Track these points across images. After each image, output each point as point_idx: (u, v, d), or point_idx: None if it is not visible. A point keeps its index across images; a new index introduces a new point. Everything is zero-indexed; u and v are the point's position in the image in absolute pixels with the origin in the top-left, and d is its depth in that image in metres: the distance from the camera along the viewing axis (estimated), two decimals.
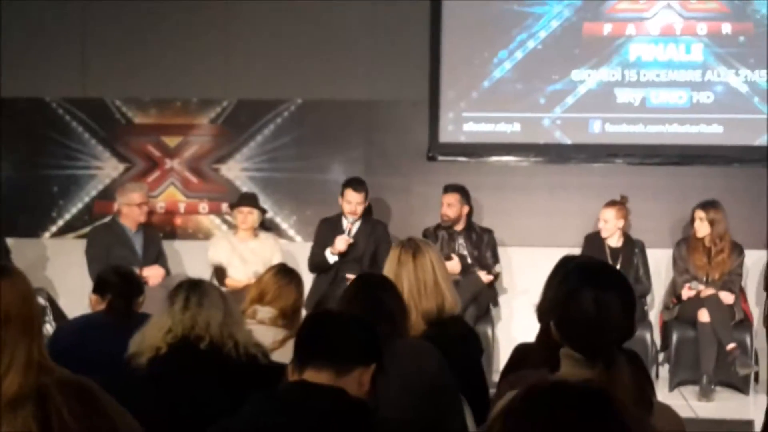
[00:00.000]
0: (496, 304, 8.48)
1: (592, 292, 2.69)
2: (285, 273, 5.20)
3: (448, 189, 8.35)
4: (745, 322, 7.99)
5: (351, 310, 3.67)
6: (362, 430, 2.47)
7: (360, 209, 8.28)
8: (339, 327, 2.77)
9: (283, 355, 4.23)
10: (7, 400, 2.07)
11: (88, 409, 2.01)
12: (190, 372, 4.08)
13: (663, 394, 7.53)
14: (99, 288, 5.21)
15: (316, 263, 8.32)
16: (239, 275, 8.16)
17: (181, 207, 9.09)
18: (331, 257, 8.22)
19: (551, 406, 1.83)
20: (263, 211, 8.50)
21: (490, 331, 8.10)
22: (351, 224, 8.28)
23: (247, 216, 8.31)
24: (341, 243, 8.17)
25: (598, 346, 2.66)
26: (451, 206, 8.31)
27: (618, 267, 8.09)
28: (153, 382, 4.09)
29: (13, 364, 3.09)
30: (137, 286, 5.27)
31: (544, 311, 3.72)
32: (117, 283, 5.14)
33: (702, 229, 8.06)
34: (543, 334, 3.67)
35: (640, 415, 2.51)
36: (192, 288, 4.26)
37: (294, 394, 2.52)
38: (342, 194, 8.30)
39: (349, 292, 3.98)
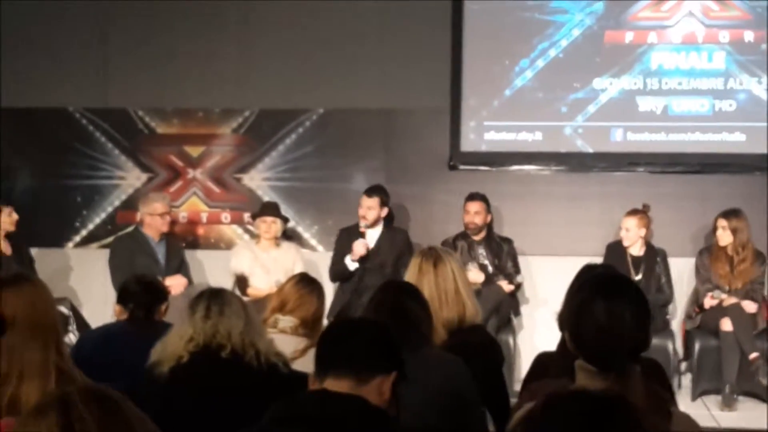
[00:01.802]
0: (517, 313, 8.47)
1: (604, 303, 2.69)
2: (306, 282, 5.21)
3: (475, 197, 8.36)
4: None
5: (378, 318, 3.68)
6: None
7: (371, 214, 8.28)
8: (359, 335, 2.76)
9: (304, 364, 4.24)
10: (31, 407, 2.09)
11: (110, 417, 2.03)
12: (211, 380, 4.10)
13: (685, 403, 7.51)
14: (121, 298, 5.26)
15: (336, 272, 8.35)
16: (261, 284, 8.18)
17: (204, 217, 9.13)
18: (351, 264, 8.24)
19: (570, 413, 1.85)
20: (286, 220, 8.53)
21: (511, 340, 8.10)
22: (364, 228, 8.29)
23: (271, 225, 8.33)
24: (360, 247, 8.19)
25: (610, 358, 2.66)
26: (479, 214, 8.32)
27: (640, 276, 8.10)
28: (175, 390, 4.11)
29: (26, 368, 3.12)
30: (159, 294, 5.29)
31: (564, 320, 3.73)
32: (137, 293, 5.18)
33: (724, 237, 8.03)
34: (564, 342, 3.68)
35: (657, 423, 2.51)
36: (213, 297, 4.28)
37: (313, 403, 2.52)
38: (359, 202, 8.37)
39: (376, 299, 3.98)
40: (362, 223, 8.28)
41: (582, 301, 2.74)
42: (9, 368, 3.12)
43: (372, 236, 8.36)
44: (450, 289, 4.38)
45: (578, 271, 4.21)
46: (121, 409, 2.06)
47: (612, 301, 2.69)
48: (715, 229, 8.11)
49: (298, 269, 7.62)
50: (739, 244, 8.01)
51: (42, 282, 3.35)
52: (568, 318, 2.83)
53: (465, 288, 4.44)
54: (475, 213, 8.33)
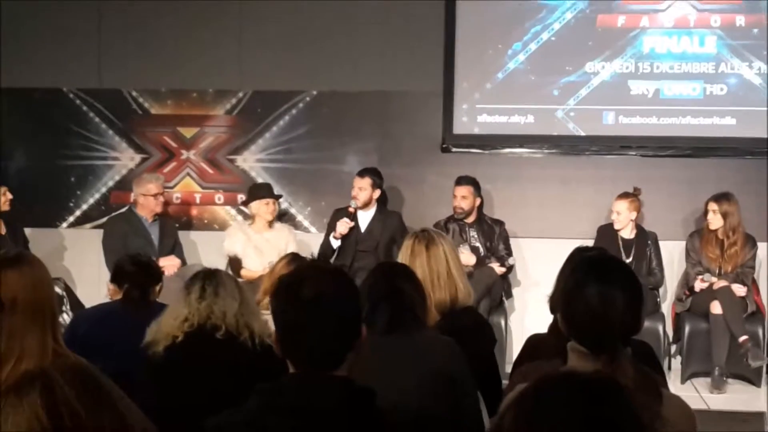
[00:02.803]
0: (509, 295, 8.50)
1: (597, 286, 2.69)
2: (297, 262, 5.23)
3: (462, 181, 8.37)
4: (758, 315, 7.99)
5: (371, 301, 3.69)
6: (367, 419, 2.46)
7: (363, 195, 8.33)
8: (322, 336, 2.53)
9: None
10: (10, 384, 2.06)
11: (93, 396, 2.01)
12: (205, 360, 4.13)
13: (675, 385, 7.56)
14: (116, 277, 5.26)
15: (322, 249, 8.40)
16: (254, 266, 8.20)
17: (197, 198, 9.14)
18: (335, 242, 8.29)
19: (561, 394, 1.85)
20: (278, 198, 8.55)
21: (503, 322, 8.12)
22: (353, 208, 8.32)
23: (273, 206, 8.38)
24: (342, 226, 8.24)
25: (602, 341, 2.67)
26: (465, 198, 8.33)
27: (631, 259, 8.13)
28: (169, 369, 4.14)
29: (26, 350, 3.10)
30: (154, 274, 5.30)
31: (555, 302, 3.76)
32: (133, 273, 5.18)
33: (715, 221, 8.06)
34: (555, 324, 3.70)
35: (648, 403, 2.53)
36: (208, 278, 4.31)
37: (298, 387, 2.49)
38: None
39: (370, 281, 3.97)
40: (353, 203, 8.32)
41: (575, 284, 2.74)
42: (8, 350, 3.10)
43: (365, 218, 8.39)
44: (442, 271, 4.37)
45: (569, 254, 4.23)
46: (102, 387, 2.05)
47: (605, 285, 2.70)
48: (705, 212, 8.14)
49: (291, 250, 7.64)
50: (729, 228, 8.04)
51: (41, 263, 3.35)
52: (560, 301, 2.84)
53: (457, 270, 4.42)
54: (461, 197, 8.33)
